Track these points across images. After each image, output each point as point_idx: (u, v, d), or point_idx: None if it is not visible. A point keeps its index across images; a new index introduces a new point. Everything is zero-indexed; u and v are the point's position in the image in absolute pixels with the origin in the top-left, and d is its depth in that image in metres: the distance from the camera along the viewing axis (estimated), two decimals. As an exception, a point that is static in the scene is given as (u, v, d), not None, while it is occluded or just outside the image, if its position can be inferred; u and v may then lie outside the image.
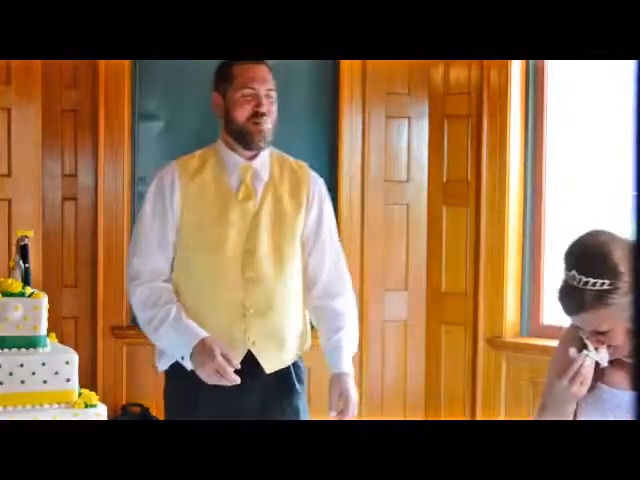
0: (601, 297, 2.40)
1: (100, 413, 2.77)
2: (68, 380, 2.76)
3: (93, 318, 4.74)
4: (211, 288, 3.04)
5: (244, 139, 3.07)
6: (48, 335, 2.84)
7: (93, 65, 4.67)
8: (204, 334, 2.94)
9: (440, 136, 4.96)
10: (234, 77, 3.08)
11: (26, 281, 2.92)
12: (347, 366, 3.17)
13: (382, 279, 4.95)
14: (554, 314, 4.70)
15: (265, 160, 3.15)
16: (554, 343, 4.55)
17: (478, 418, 4.73)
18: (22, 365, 2.71)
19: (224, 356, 2.88)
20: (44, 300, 2.81)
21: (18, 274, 2.94)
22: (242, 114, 3.06)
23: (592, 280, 2.40)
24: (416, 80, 4.96)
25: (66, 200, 4.74)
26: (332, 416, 3.03)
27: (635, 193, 2.24)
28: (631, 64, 2.54)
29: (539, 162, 4.74)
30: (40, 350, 2.76)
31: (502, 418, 4.67)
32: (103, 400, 2.97)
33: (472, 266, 4.85)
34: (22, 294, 2.80)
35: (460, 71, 4.87)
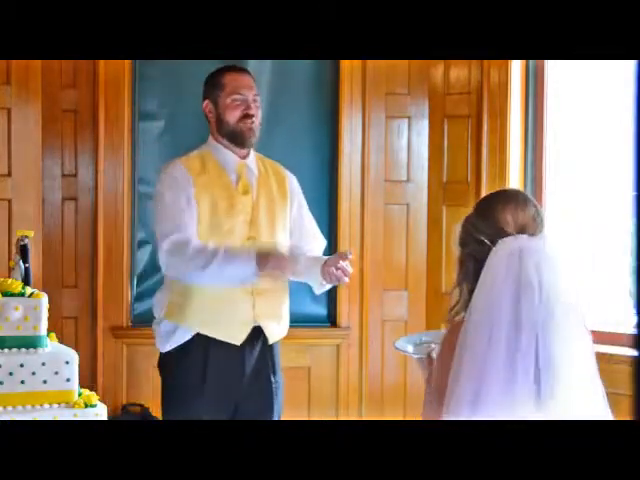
0: None
1: (100, 413, 2.77)
2: (68, 380, 2.76)
3: (93, 318, 4.74)
4: None
5: (237, 138, 3.46)
6: (48, 335, 2.84)
7: (93, 65, 4.67)
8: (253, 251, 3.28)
9: (440, 136, 4.96)
10: (224, 85, 3.47)
11: (26, 281, 2.92)
12: None
13: (382, 279, 4.95)
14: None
15: (253, 159, 3.54)
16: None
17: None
18: (22, 365, 2.71)
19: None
20: (44, 300, 2.81)
21: (18, 274, 2.94)
22: (234, 117, 3.45)
23: None
24: (416, 80, 4.96)
25: (66, 200, 4.74)
26: (349, 257, 3.34)
27: (635, 193, 2.24)
28: (631, 64, 2.54)
29: (539, 162, 4.74)
30: (40, 350, 2.76)
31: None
32: (103, 400, 2.98)
33: (472, 266, 4.84)
34: (22, 294, 2.80)
35: (460, 71, 4.87)
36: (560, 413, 2.16)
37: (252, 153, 3.53)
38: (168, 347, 3.42)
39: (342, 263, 3.33)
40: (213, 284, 3.35)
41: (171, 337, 3.41)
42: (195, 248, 3.29)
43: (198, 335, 3.38)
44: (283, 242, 3.50)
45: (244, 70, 3.53)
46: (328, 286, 3.49)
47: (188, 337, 3.39)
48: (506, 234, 2.26)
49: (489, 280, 2.20)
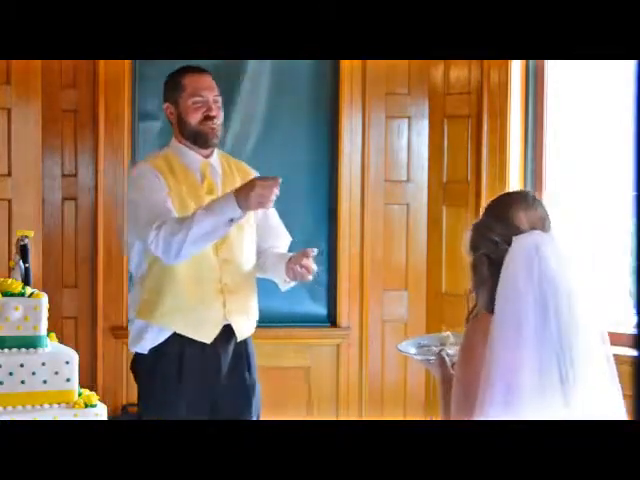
0: None
1: (100, 413, 2.77)
2: (68, 380, 2.76)
3: (93, 318, 4.74)
4: (193, 268, 3.36)
5: (199, 139, 3.46)
6: (48, 335, 2.84)
7: (93, 65, 4.67)
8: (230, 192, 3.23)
9: (440, 136, 4.96)
10: (184, 87, 3.46)
11: (26, 281, 2.92)
12: None
13: (382, 279, 4.95)
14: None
15: (217, 158, 3.54)
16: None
17: (478, 418, 4.73)
18: (22, 365, 2.71)
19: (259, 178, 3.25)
20: (44, 300, 2.80)
21: (18, 274, 2.94)
22: (195, 119, 3.45)
23: None
24: (416, 80, 4.96)
25: (66, 200, 4.74)
26: (313, 255, 3.37)
27: (635, 193, 2.25)
28: (631, 64, 2.54)
29: (539, 162, 4.74)
30: (40, 350, 2.76)
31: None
32: (103, 400, 2.97)
33: (472, 266, 4.84)
34: (22, 294, 2.80)
35: (460, 71, 4.87)
36: (582, 397, 2.23)
37: (215, 152, 3.52)
38: (139, 348, 3.41)
39: (306, 261, 3.34)
40: (185, 286, 3.34)
41: (142, 337, 3.40)
42: (179, 218, 3.25)
43: (172, 337, 3.37)
44: (250, 240, 3.51)
45: (204, 71, 3.50)
46: (292, 283, 3.48)
47: (162, 339, 3.38)
48: (521, 232, 2.31)
49: (510, 276, 2.25)
